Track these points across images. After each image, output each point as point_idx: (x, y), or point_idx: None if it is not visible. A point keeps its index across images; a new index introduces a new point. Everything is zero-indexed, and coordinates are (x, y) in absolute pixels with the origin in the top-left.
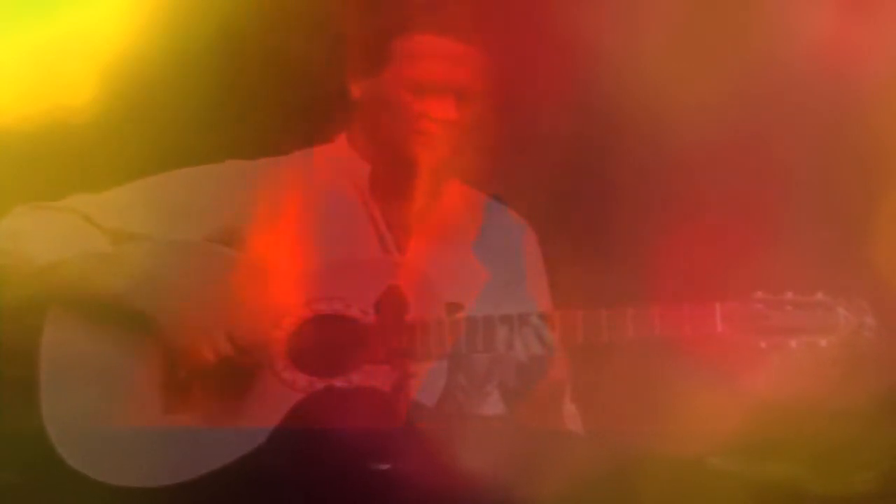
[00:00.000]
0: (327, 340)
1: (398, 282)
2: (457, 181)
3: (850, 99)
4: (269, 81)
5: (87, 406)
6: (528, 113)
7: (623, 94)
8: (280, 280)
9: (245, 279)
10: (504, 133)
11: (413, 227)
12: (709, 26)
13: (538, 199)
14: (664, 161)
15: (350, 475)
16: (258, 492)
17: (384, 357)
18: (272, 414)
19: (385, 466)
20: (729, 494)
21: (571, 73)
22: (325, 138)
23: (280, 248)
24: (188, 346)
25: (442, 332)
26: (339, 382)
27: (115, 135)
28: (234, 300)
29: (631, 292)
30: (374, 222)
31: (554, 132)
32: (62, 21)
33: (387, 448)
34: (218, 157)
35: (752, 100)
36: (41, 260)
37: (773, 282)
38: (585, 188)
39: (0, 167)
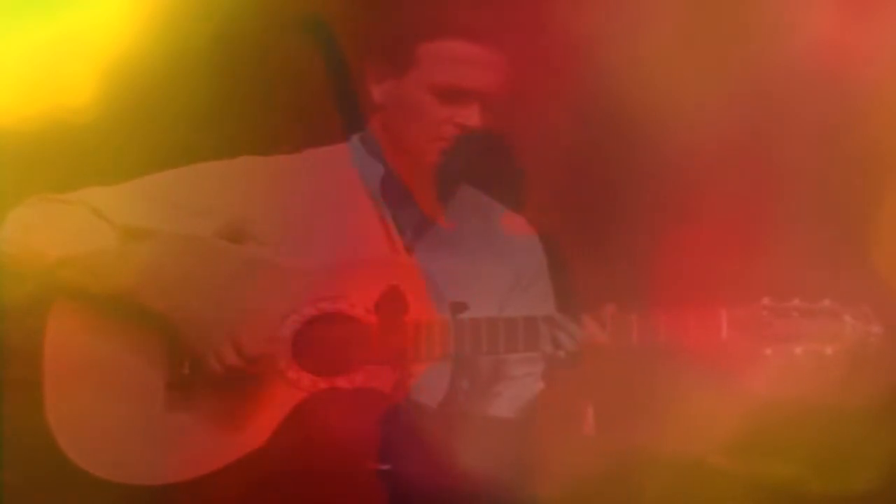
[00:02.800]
0: (331, 340)
1: (401, 282)
2: (465, 184)
3: (861, 102)
4: (279, 80)
5: (90, 403)
6: (535, 116)
7: (629, 99)
8: (287, 278)
9: (253, 276)
10: (512, 136)
11: (421, 230)
12: (717, 32)
13: (544, 202)
14: (671, 165)
15: (350, 475)
16: (258, 491)
17: (386, 357)
18: (275, 413)
19: (385, 467)
20: (729, 494)
21: (580, 77)
22: (338, 138)
23: (289, 246)
24: (195, 355)
25: (445, 332)
26: (342, 382)
27: (116, 135)
28: (242, 297)
29: (636, 296)
30: (383, 223)
31: (560, 135)
32: (62, 21)
33: (387, 448)
34: (223, 158)
35: (761, 105)
36: (51, 253)
37: (780, 287)
38: (590, 192)
39: (1, 168)
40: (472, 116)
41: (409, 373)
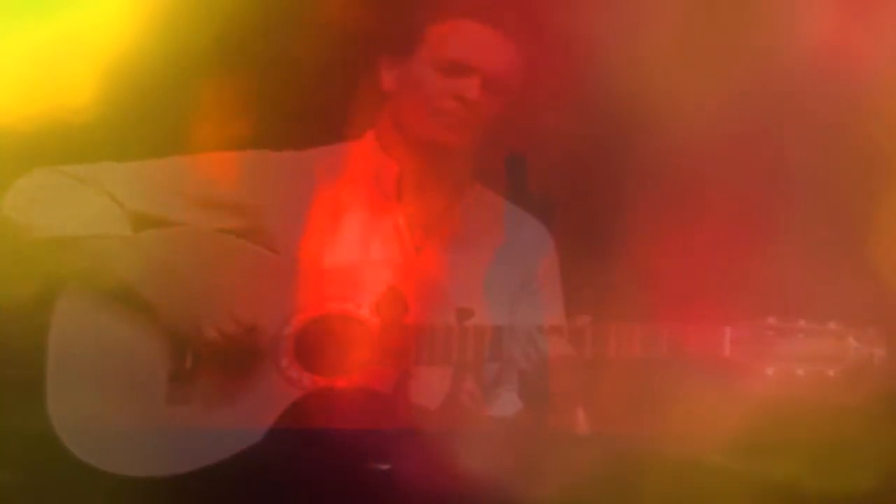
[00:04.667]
0: (334, 340)
1: (406, 284)
2: (478, 184)
3: (871, 109)
4: (286, 79)
5: (92, 395)
6: (543, 119)
7: (635, 108)
8: (295, 276)
9: (261, 274)
10: (523, 137)
11: (433, 229)
12: (721, 35)
13: (552, 210)
14: (681, 173)
15: (350, 475)
16: (258, 491)
17: (388, 359)
18: (274, 411)
19: (385, 467)
20: (729, 494)
21: (594, 81)
22: (354, 134)
23: (298, 243)
24: (193, 328)
25: (450, 339)
26: (341, 382)
27: (116, 135)
28: (248, 295)
29: (642, 304)
30: (394, 222)
31: (571, 146)
32: (62, 21)
33: (387, 449)
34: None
35: (766, 111)
36: (56, 231)
37: (785, 303)
38: (600, 203)
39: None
40: (471, 88)
41: (409, 373)
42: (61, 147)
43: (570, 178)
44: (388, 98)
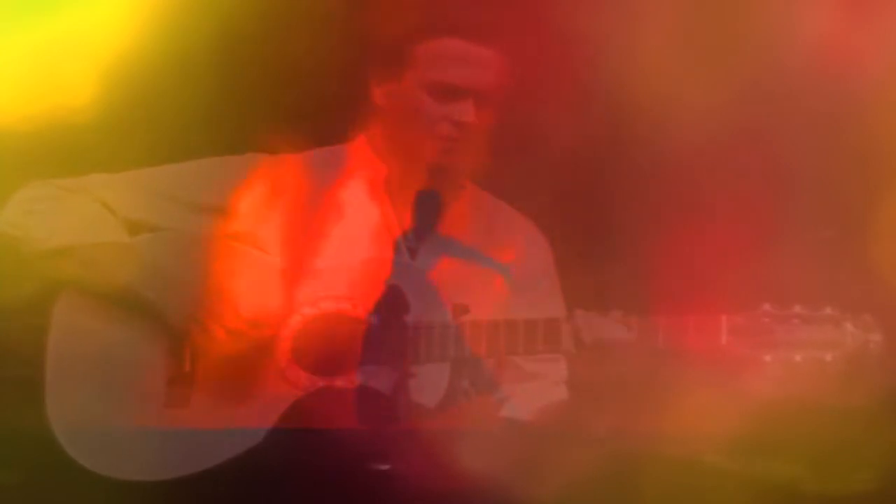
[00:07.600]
0: (331, 340)
1: (403, 283)
2: (471, 184)
3: (865, 104)
4: (283, 81)
5: (91, 399)
6: (534, 117)
7: (630, 101)
8: (290, 278)
9: (256, 275)
10: (515, 136)
11: (426, 231)
12: (718, 33)
13: (547, 202)
14: (674, 168)
15: (350, 475)
16: (258, 491)
17: (386, 357)
18: (273, 412)
19: (385, 467)
20: (729, 494)
21: (583, 79)
22: (345, 137)
23: (293, 246)
24: (197, 326)
25: (447, 335)
26: (340, 382)
27: (116, 135)
28: (244, 295)
29: (639, 297)
30: (387, 223)
31: (563, 139)
32: (62, 21)
33: (387, 448)
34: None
35: (764, 107)
36: (53, 242)
37: (782, 292)
38: (590, 196)
39: (0, 167)
40: (467, 112)
41: (408, 373)
42: (59, 148)
43: (565, 173)
44: (379, 110)
